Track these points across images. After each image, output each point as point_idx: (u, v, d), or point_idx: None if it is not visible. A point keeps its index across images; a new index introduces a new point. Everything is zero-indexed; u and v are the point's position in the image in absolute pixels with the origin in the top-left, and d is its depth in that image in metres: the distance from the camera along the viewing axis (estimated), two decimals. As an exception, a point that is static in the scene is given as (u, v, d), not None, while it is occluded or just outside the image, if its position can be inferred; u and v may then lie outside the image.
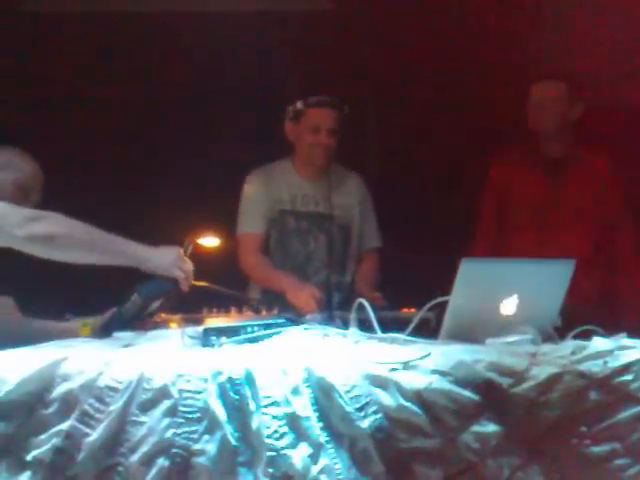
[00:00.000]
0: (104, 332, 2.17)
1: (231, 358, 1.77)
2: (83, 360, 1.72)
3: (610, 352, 1.82)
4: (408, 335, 2.02)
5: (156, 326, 2.27)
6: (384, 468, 1.66)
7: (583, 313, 2.15)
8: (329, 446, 1.67)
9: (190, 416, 1.65)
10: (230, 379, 1.67)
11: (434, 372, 1.73)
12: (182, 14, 4.14)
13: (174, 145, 4.18)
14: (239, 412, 1.66)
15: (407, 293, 2.41)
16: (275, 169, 3.32)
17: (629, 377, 1.78)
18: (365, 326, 2.12)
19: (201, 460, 1.62)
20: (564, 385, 1.75)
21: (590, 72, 3.43)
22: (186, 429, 1.64)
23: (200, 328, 2.06)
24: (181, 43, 4.03)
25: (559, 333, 2.06)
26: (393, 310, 2.44)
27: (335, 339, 2.07)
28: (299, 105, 3.18)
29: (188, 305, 2.34)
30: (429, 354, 1.78)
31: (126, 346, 1.96)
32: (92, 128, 4.10)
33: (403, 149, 4.17)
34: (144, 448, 1.63)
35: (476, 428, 1.70)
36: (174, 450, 1.63)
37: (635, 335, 1.94)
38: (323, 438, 1.67)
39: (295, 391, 1.68)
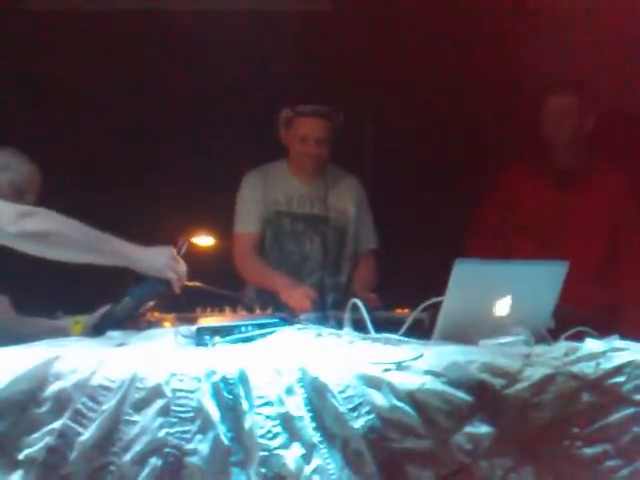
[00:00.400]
0: (96, 331, 2.16)
1: (225, 358, 1.77)
2: (76, 359, 1.71)
3: (603, 354, 1.82)
4: (402, 335, 2.02)
5: (150, 325, 2.27)
6: (376, 468, 1.66)
7: (577, 315, 2.15)
8: (322, 446, 1.67)
9: (183, 415, 1.64)
10: (223, 379, 1.67)
11: (427, 373, 1.73)
12: (180, 12, 4.14)
13: (170, 144, 4.17)
14: (232, 412, 1.66)
15: (401, 293, 2.42)
16: (271, 170, 3.32)
17: (621, 379, 1.78)
18: (359, 326, 2.12)
19: (194, 460, 1.62)
20: (557, 386, 1.75)
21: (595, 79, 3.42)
22: (179, 428, 1.64)
23: (194, 327, 2.06)
24: (179, 41, 4.03)
25: (552, 334, 2.06)
26: (387, 310, 2.45)
27: (329, 339, 2.07)
28: (288, 113, 3.18)
29: (182, 304, 2.34)
30: (422, 355, 1.78)
31: (119, 345, 1.96)
32: (88, 126, 4.09)
33: (400, 150, 4.17)
34: (137, 447, 1.62)
35: (469, 429, 1.70)
36: (167, 449, 1.62)
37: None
38: (316, 438, 1.67)
39: (288, 391, 1.68)
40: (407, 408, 1.69)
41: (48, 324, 2.31)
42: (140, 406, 1.65)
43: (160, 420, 1.64)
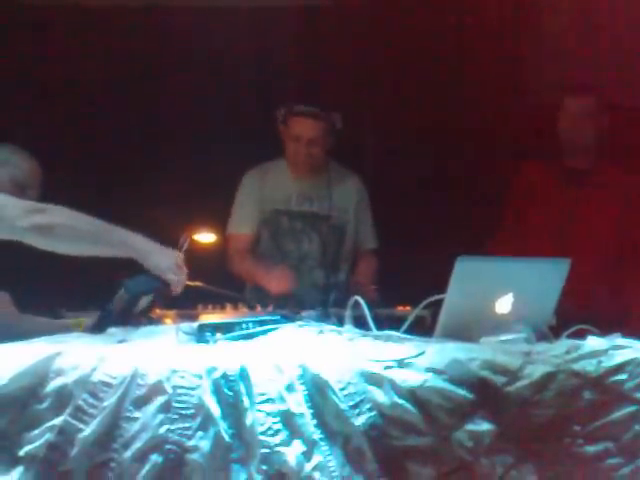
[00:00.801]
0: (95, 328, 2.15)
1: (226, 354, 1.77)
2: (77, 355, 1.71)
3: (604, 352, 1.82)
4: (403, 333, 2.02)
5: (151, 322, 2.27)
6: (377, 465, 1.66)
7: (579, 313, 2.14)
8: (323, 443, 1.67)
9: (184, 412, 1.64)
10: (225, 375, 1.67)
11: (428, 370, 1.73)
12: (180, 9, 4.13)
13: (171, 141, 4.17)
14: (233, 408, 1.66)
15: (402, 291, 2.42)
16: (271, 168, 3.33)
17: (623, 377, 1.78)
18: (360, 324, 2.12)
19: (195, 456, 1.62)
20: (558, 384, 1.75)
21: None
22: (180, 425, 1.64)
23: (195, 324, 2.05)
24: (178, 39, 4.03)
25: (554, 332, 2.06)
26: (388, 307, 2.45)
27: (330, 336, 2.06)
28: (284, 111, 3.18)
29: (183, 301, 2.33)
30: (423, 352, 1.78)
31: (120, 342, 1.96)
32: (88, 124, 4.09)
33: (400, 150, 4.17)
34: (137, 444, 1.62)
35: (470, 426, 1.70)
36: (168, 446, 1.62)
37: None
38: (317, 435, 1.67)
39: (289, 388, 1.68)
40: (408, 405, 1.69)
41: (49, 321, 2.31)
42: (141, 403, 1.65)
43: (161, 417, 1.64)
